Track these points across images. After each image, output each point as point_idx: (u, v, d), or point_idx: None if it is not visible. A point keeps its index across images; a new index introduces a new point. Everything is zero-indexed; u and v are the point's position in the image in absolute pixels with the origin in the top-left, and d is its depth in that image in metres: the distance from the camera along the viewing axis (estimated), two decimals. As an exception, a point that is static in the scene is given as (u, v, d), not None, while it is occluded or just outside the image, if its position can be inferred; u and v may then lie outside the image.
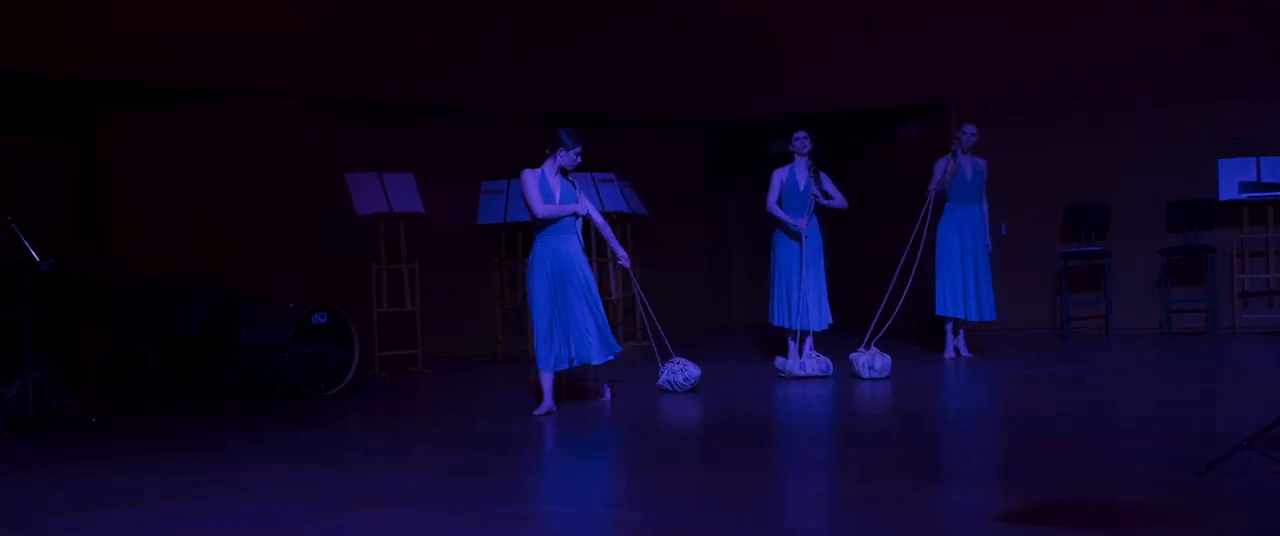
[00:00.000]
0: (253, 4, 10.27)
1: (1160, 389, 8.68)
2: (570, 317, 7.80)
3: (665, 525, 4.97)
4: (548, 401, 7.85)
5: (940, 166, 10.07)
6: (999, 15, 12.22)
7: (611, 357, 8.06)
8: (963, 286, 10.09)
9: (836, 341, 9.58)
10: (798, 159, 9.53)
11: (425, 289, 10.67)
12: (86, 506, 5.56)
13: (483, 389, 9.59)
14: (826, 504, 5.40)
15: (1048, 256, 12.03)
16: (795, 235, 9.47)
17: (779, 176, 9.56)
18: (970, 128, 10.16)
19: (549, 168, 7.82)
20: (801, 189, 9.49)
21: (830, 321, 9.63)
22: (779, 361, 9.48)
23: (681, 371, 8.71)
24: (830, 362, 9.27)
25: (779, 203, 9.53)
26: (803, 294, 9.46)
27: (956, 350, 10.23)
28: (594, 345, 7.87)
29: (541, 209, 7.73)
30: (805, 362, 9.29)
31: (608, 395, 8.41)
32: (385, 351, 10.38)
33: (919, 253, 9.53)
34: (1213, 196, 11.29)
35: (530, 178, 7.76)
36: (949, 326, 10.24)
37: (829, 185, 9.52)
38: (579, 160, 7.85)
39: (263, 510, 5.37)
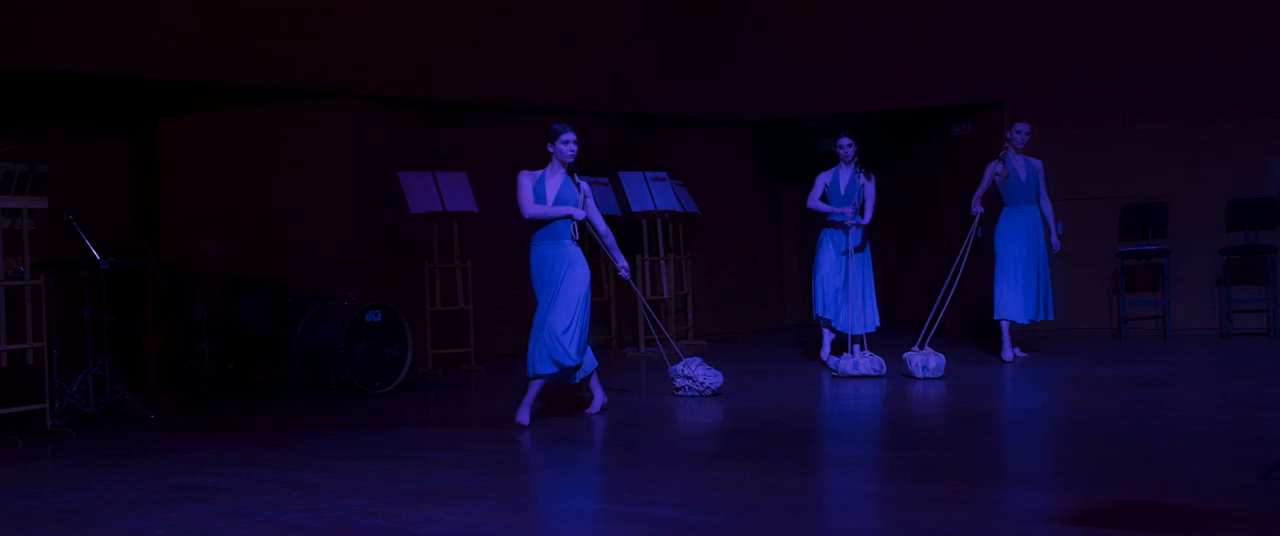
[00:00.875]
0: (310, 4, 10.36)
1: (1220, 390, 8.56)
2: (555, 323, 7.44)
3: (715, 524, 4.96)
4: (599, 397, 7.88)
5: (989, 172, 9.96)
6: (1056, 13, 12.11)
7: (595, 368, 7.71)
8: (1022, 289, 9.93)
9: (890, 341, 9.53)
10: (842, 163, 9.69)
11: (478, 287, 10.73)
12: (146, 502, 5.63)
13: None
14: (880, 504, 5.37)
15: (1105, 256, 11.89)
16: (841, 225, 9.68)
17: (822, 179, 9.84)
18: (1022, 126, 10.03)
19: (551, 167, 7.54)
20: (843, 192, 9.75)
21: (877, 324, 9.74)
22: (832, 360, 9.47)
23: (701, 371, 8.48)
24: (883, 362, 9.24)
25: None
26: (849, 295, 9.53)
27: (1014, 352, 10.11)
28: (573, 356, 7.45)
29: (529, 210, 7.47)
30: (858, 362, 9.27)
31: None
32: (438, 349, 10.45)
33: (963, 261, 9.42)
34: (1274, 195, 11.11)
35: (525, 178, 7.50)
36: (1006, 328, 10.09)
37: (869, 191, 9.57)
38: (572, 148, 7.47)
39: (319, 506, 5.42)
